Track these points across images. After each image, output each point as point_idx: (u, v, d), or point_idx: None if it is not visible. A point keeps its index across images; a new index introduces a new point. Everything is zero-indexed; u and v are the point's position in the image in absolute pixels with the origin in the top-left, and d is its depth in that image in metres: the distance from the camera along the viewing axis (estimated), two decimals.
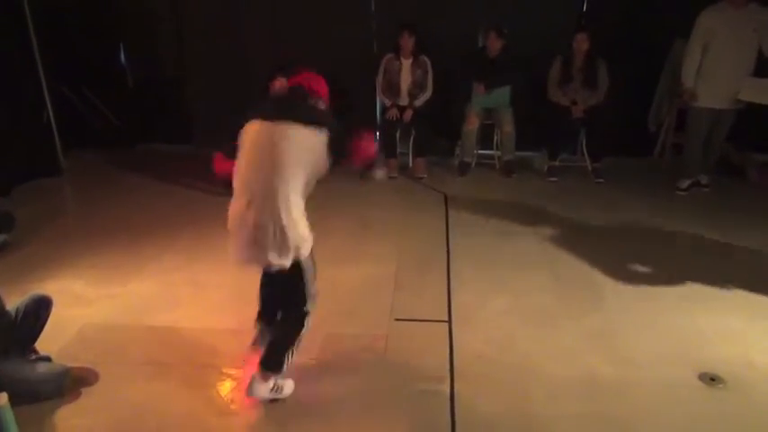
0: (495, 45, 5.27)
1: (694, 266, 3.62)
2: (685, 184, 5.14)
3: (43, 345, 2.57)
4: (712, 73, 4.72)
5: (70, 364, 2.56)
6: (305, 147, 2.25)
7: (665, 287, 3.39)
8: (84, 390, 2.50)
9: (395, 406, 2.41)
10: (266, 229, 2.19)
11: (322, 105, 2.48)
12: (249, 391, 2.40)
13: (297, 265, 2.30)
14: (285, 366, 2.40)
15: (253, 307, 3.14)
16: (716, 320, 3.03)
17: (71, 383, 2.48)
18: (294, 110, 2.34)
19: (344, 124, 2.38)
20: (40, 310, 2.53)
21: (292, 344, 2.41)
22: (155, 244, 3.96)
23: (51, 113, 5.39)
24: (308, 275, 2.38)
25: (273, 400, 2.44)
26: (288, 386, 2.49)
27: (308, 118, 2.30)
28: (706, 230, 4.17)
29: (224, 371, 2.63)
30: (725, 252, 3.81)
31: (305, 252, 2.31)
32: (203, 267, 3.64)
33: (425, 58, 5.40)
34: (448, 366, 2.65)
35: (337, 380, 2.59)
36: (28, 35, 5.10)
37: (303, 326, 2.42)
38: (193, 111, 6.19)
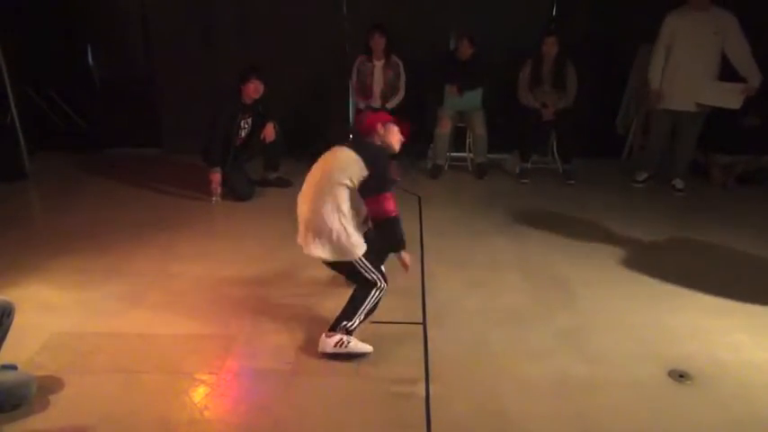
0: (466, 51, 5.32)
1: (662, 266, 3.69)
2: (642, 176, 5.30)
3: (9, 353, 2.50)
4: (673, 75, 4.81)
5: (37, 373, 2.50)
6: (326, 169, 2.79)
7: (633, 286, 3.45)
8: (51, 399, 2.43)
9: (370, 409, 2.41)
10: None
11: (377, 140, 2.97)
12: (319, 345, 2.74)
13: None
14: (348, 325, 2.70)
15: (225, 312, 3.12)
16: (683, 318, 3.10)
17: (38, 393, 2.41)
18: (351, 142, 2.96)
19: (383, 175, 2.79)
20: (2, 316, 2.45)
21: (356, 310, 2.73)
22: (124, 249, 3.89)
23: (15, 115, 5.26)
24: (358, 263, 2.77)
25: (344, 355, 2.69)
26: (356, 343, 2.70)
27: (357, 148, 2.82)
28: (673, 231, 4.27)
29: (196, 377, 2.59)
30: (691, 252, 3.90)
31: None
32: (174, 272, 3.58)
33: (397, 60, 5.43)
34: (422, 368, 2.66)
35: (313, 384, 2.57)
36: None
37: (368, 296, 2.75)
38: (162, 114, 6.11)
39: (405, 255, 2.87)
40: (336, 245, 2.73)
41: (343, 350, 2.69)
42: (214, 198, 4.80)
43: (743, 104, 4.68)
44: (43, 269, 3.59)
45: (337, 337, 2.69)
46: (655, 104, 5.02)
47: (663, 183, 5.25)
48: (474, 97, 5.46)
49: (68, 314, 3.10)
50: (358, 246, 2.76)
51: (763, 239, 4.09)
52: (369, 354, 2.71)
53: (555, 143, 5.58)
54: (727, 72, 4.73)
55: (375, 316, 3.04)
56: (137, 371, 2.64)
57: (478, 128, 5.45)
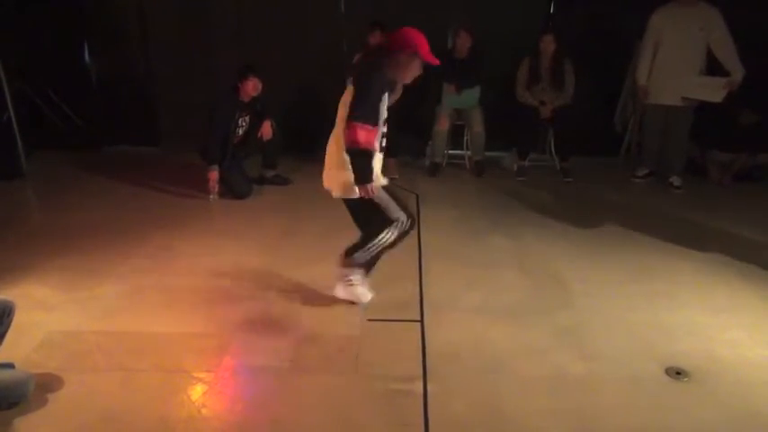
0: (465, 44, 5.30)
1: (660, 263, 3.71)
2: (642, 172, 5.34)
3: (6, 352, 2.49)
4: (661, 70, 4.88)
5: (34, 371, 2.49)
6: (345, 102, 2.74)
7: (631, 284, 3.46)
8: (49, 397, 2.43)
9: (368, 406, 2.41)
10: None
11: (393, 63, 2.82)
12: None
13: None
14: (357, 256, 2.90)
15: (223, 310, 3.12)
16: (680, 315, 3.10)
17: (36, 391, 2.41)
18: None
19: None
20: (2, 315, 2.45)
21: (367, 242, 2.86)
22: (122, 248, 3.88)
23: (12, 114, 5.24)
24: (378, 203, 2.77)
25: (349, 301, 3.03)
26: (358, 287, 3.01)
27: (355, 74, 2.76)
28: (670, 228, 4.27)
29: (194, 375, 2.59)
30: (689, 249, 3.90)
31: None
32: (172, 271, 3.58)
33: None
34: (420, 366, 2.66)
35: (311, 381, 2.57)
36: None
37: (381, 232, 2.81)
38: (160, 112, 6.09)
39: (368, 186, 2.70)
40: (340, 180, 2.78)
41: (347, 287, 3.00)
42: (211, 196, 4.79)
43: (738, 101, 4.76)
44: (40, 268, 3.58)
45: (346, 270, 2.95)
46: (643, 100, 5.10)
47: (661, 181, 5.26)
48: (472, 95, 5.46)
49: (65, 313, 3.09)
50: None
51: (761, 236, 4.10)
52: (366, 301, 3.04)
53: (552, 141, 5.58)
54: (715, 67, 4.81)
55: (373, 314, 3.05)
56: (134, 369, 2.64)
57: (476, 125, 5.45)
